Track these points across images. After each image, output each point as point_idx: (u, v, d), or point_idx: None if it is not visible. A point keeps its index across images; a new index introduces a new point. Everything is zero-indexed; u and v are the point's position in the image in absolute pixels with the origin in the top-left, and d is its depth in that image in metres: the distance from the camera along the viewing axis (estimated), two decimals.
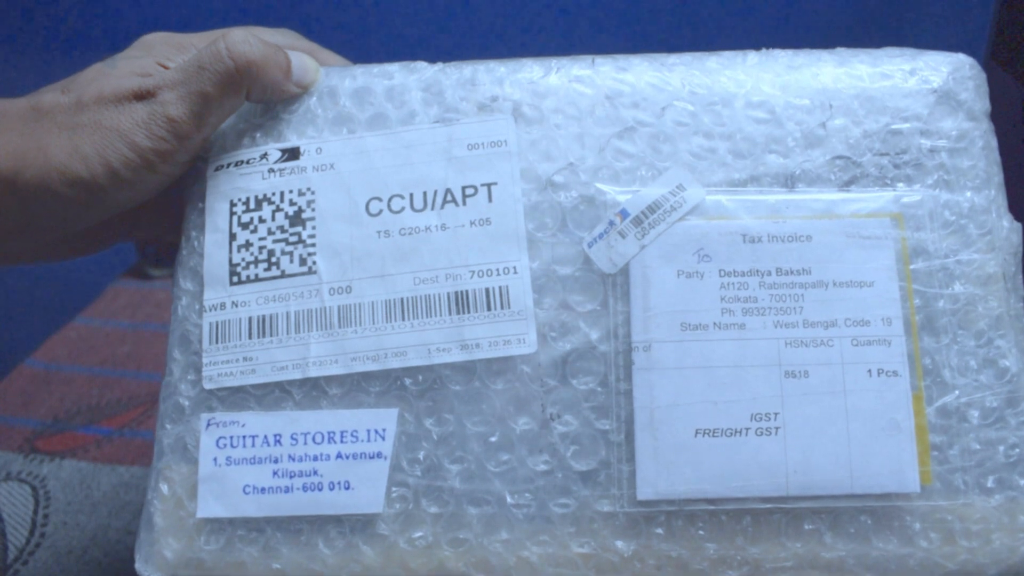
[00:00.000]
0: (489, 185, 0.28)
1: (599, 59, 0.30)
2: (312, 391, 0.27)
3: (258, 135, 0.30)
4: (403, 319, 0.27)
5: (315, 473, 0.26)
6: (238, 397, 0.27)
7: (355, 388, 0.27)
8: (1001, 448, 0.25)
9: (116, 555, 0.39)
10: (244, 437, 0.27)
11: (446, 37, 0.69)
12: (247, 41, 0.27)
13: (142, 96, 0.27)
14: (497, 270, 0.27)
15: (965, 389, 0.26)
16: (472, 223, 0.27)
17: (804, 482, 0.25)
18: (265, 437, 0.27)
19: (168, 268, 0.59)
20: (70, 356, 0.52)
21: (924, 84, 0.28)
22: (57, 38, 0.73)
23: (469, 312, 0.27)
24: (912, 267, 0.27)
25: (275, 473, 0.26)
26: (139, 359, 0.52)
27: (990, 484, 0.25)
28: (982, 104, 0.29)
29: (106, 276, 0.60)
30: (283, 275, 0.28)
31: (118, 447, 0.45)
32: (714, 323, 0.26)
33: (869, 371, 0.25)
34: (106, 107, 0.26)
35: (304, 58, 0.30)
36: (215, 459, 0.26)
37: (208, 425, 0.27)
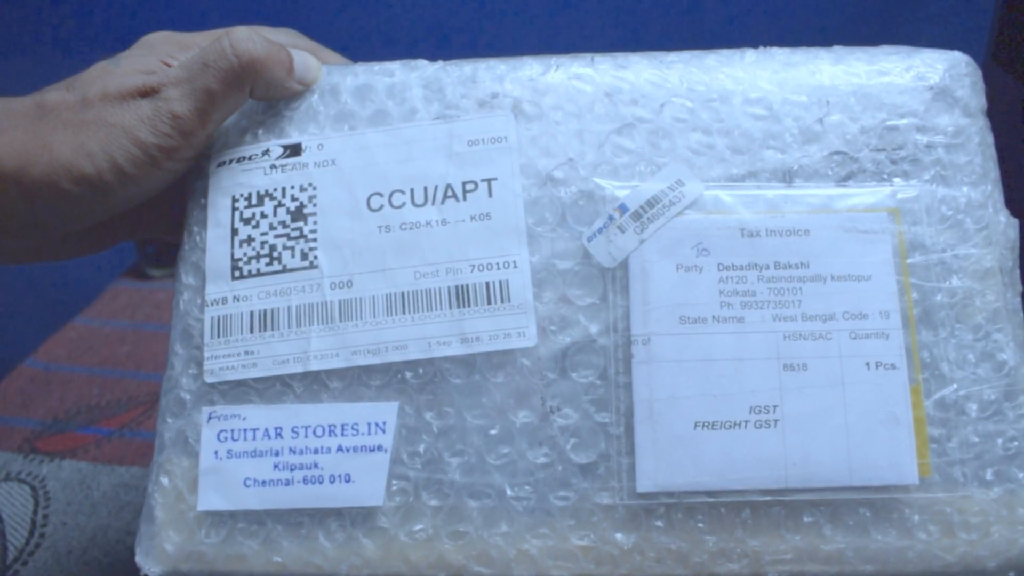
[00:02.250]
0: (489, 180, 0.28)
1: (598, 57, 0.30)
2: (313, 384, 0.27)
3: (260, 132, 0.30)
4: (404, 313, 0.27)
5: (316, 466, 0.26)
6: (239, 391, 0.27)
7: (356, 381, 0.27)
8: (999, 441, 0.26)
9: (116, 555, 0.39)
10: (245, 430, 0.27)
11: (446, 36, 0.70)
12: (251, 39, 0.27)
13: (147, 93, 0.27)
14: (497, 264, 0.27)
15: (963, 382, 0.26)
16: (472, 218, 0.28)
17: (803, 475, 0.25)
18: (266, 430, 0.27)
19: (168, 268, 0.60)
20: (70, 356, 0.53)
21: (921, 81, 0.29)
22: (58, 38, 0.73)
23: (469, 306, 0.27)
24: (909, 261, 0.27)
25: (276, 466, 0.26)
26: (139, 359, 0.52)
27: (989, 477, 0.25)
28: (978, 101, 0.29)
29: (106, 276, 0.61)
30: (284, 269, 0.28)
31: (118, 447, 0.45)
32: (713, 316, 0.26)
33: (867, 364, 0.26)
34: (111, 104, 0.27)
35: (306, 56, 0.30)
36: (216, 452, 0.27)
37: (209, 418, 0.27)
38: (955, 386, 0.26)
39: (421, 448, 0.27)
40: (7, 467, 0.44)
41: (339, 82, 0.30)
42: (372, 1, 0.70)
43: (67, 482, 0.43)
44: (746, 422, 0.25)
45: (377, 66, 0.31)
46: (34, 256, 0.31)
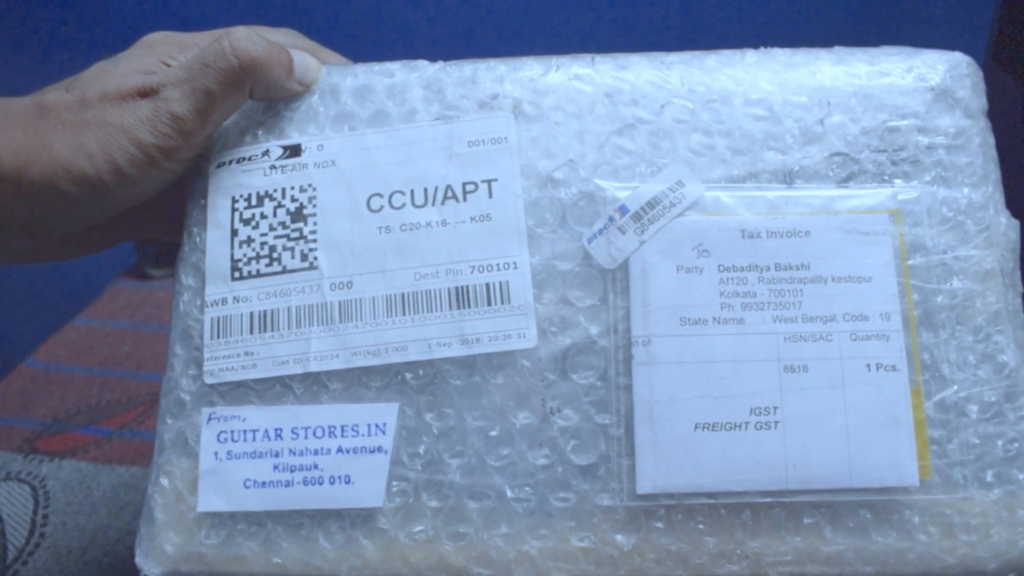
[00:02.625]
0: (489, 181, 0.28)
1: (599, 58, 0.30)
2: (313, 385, 0.27)
3: (260, 132, 0.30)
4: (404, 314, 0.27)
5: (315, 467, 0.26)
6: (239, 392, 0.27)
7: (356, 383, 0.27)
8: (1000, 442, 0.26)
9: (116, 555, 0.39)
10: (245, 431, 0.27)
11: (446, 36, 0.70)
12: (251, 39, 0.27)
13: (146, 93, 0.27)
14: (497, 265, 0.27)
15: (964, 384, 0.26)
16: (472, 219, 0.28)
17: (803, 476, 0.25)
18: (266, 431, 0.27)
19: (168, 268, 0.60)
20: (70, 356, 0.53)
21: (921, 82, 0.29)
22: (58, 38, 0.73)
23: (469, 307, 0.27)
24: (910, 263, 0.27)
25: (276, 467, 0.26)
26: (139, 359, 0.52)
27: (989, 478, 0.25)
28: (979, 102, 0.29)
29: (106, 276, 0.61)
30: (284, 271, 0.28)
31: (118, 447, 0.45)
32: (713, 318, 0.26)
33: (868, 365, 0.26)
34: (110, 104, 0.27)
35: (306, 57, 0.30)
36: (216, 453, 0.27)
37: (209, 419, 0.27)
38: (955, 388, 0.26)
39: (421, 449, 0.27)
40: (7, 467, 0.44)
41: (339, 83, 0.30)
42: (372, 1, 0.70)
43: (67, 482, 0.43)
44: (746, 423, 0.25)
45: (377, 67, 0.31)
46: (34, 256, 0.31)
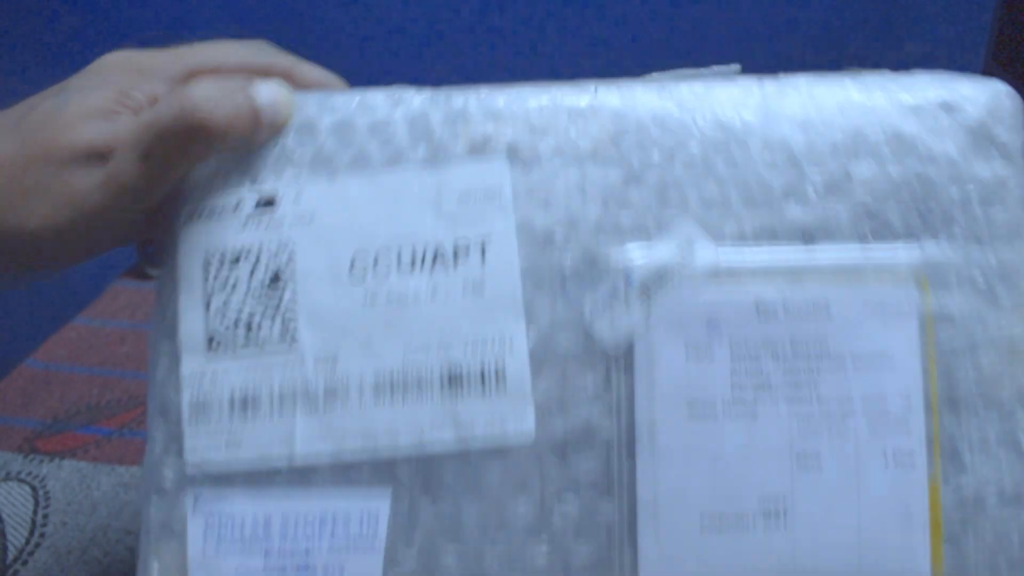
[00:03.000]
0: (482, 243, 0.24)
1: (601, 87, 0.26)
2: (301, 469, 0.24)
3: (232, 177, 0.25)
4: (391, 395, 0.23)
5: (307, 560, 0.23)
6: (224, 476, 0.24)
7: (346, 467, 0.24)
8: (1016, 537, 0.23)
9: (116, 555, 0.37)
10: (232, 521, 0.24)
11: (446, 40, 0.63)
12: (208, 100, 0.23)
13: (96, 156, 0.23)
14: (492, 341, 0.23)
15: (984, 472, 0.23)
16: (464, 288, 0.24)
17: (813, 572, 0.22)
18: (254, 518, 0.24)
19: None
20: (70, 356, 0.50)
21: (957, 120, 0.24)
22: (57, 38, 0.66)
23: (462, 390, 0.23)
24: (935, 337, 0.23)
25: (266, 555, 0.23)
26: (139, 359, 0.49)
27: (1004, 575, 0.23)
28: (1018, 140, 0.25)
29: (106, 276, 0.57)
30: (264, 343, 0.24)
31: (117, 447, 0.43)
32: (723, 402, 0.23)
33: (884, 455, 0.23)
34: (54, 168, 0.23)
35: (276, 92, 0.25)
36: (204, 543, 0.24)
37: (195, 503, 0.24)
38: (975, 476, 0.23)
39: (415, 540, 0.24)
40: (7, 467, 0.42)
41: (315, 118, 0.26)
42: (370, 5, 0.63)
43: (67, 482, 0.41)
44: (755, 518, 0.22)
45: (357, 97, 0.26)
46: (32, 277, 0.28)
